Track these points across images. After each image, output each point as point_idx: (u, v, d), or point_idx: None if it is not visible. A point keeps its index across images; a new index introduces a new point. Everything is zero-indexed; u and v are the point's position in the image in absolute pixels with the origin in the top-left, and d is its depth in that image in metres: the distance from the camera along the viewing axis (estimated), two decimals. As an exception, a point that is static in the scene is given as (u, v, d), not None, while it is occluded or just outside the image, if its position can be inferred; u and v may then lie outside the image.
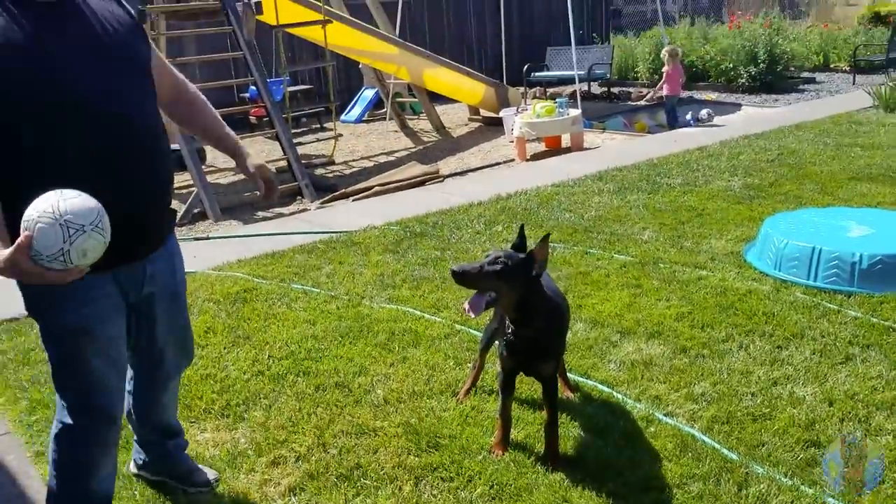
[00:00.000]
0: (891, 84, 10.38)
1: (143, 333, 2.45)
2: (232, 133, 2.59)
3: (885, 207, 5.68)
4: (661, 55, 11.18)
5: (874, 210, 5.49)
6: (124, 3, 2.30)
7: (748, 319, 3.98)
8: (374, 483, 2.82)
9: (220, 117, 2.60)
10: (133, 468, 2.93)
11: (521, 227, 2.85)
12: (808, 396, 3.22)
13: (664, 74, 10.57)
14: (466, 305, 2.63)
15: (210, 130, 2.58)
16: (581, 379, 3.46)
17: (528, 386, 3.31)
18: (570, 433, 3.03)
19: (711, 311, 4.10)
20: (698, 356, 3.62)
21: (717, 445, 2.90)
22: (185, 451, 2.91)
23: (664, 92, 10.63)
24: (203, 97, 2.58)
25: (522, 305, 2.73)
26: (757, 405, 3.18)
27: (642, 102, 12.61)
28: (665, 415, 3.14)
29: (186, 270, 2.64)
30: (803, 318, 3.97)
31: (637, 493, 2.65)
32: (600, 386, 3.40)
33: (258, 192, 2.58)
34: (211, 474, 2.89)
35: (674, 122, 10.52)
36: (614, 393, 3.33)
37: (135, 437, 2.87)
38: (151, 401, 2.71)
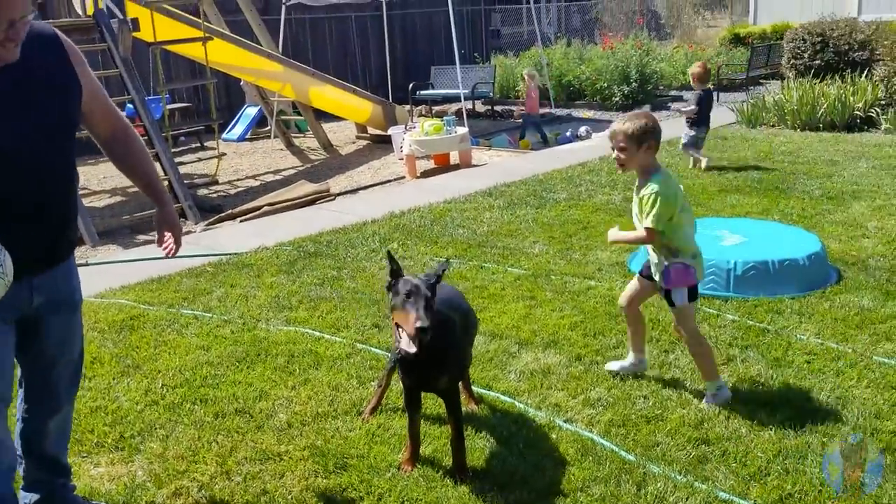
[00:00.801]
0: (752, 101, 11.14)
1: (32, 346, 2.44)
2: (162, 184, 2.75)
3: (753, 217, 6.09)
4: (523, 75, 11.74)
5: (744, 220, 5.87)
6: (71, 60, 2.37)
7: (637, 326, 4.16)
8: (283, 508, 2.77)
9: (153, 165, 2.73)
10: None
11: (389, 253, 2.82)
12: (696, 397, 3.40)
13: (534, 93, 11.02)
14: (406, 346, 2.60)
15: (142, 175, 2.68)
16: (483, 391, 3.53)
17: (433, 401, 3.34)
18: (476, 444, 3.09)
19: (602, 320, 4.27)
20: (592, 363, 3.77)
21: (615, 448, 3.03)
22: (75, 493, 2.78)
23: (525, 110, 11.12)
24: (141, 142, 2.68)
25: None
26: (649, 407, 3.33)
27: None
28: (565, 421, 3.24)
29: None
30: (687, 322, 4.19)
31: (542, 499, 2.73)
32: (502, 396, 3.48)
33: (157, 244, 2.73)
34: None
35: (543, 137, 11.06)
36: (516, 402, 3.42)
37: (22, 484, 2.72)
38: (40, 426, 2.61)
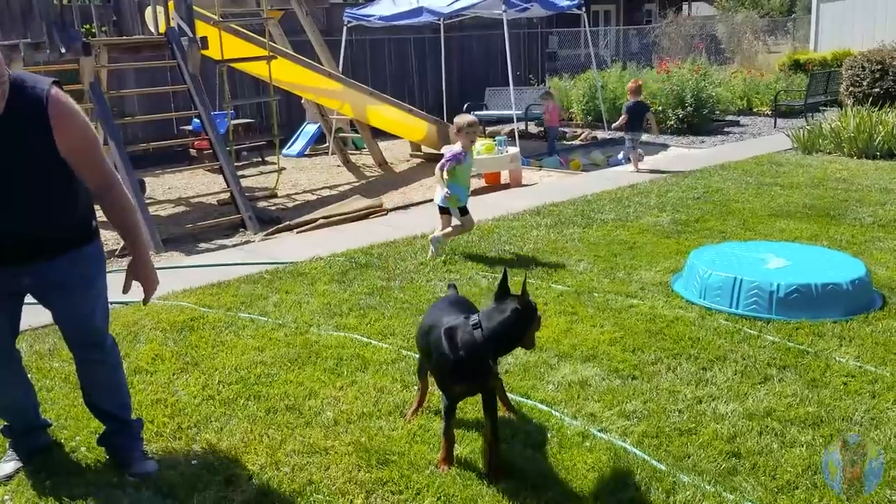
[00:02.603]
0: (809, 128, 11.06)
1: (52, 315, 3.09)
2: (140, 235, 3.05)
3: (801, 242, 6.10)
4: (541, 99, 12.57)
5: (791, 244, 5.89)
6: (49, 117, 2.72)
7: (675, 344, 4.25)
8: (327, 498, 2.94)
9: (132, 219, 3.02)
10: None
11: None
12: (730, 413, 3.48)
13: (552, 109, 12.00)
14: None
15: (119, 228, 3.02)
16: (521, 399, 3.66)
17: (472, 406, 3.49)
18: (512, 449, 3.22)
19: (642, 337, 4.36)
20: (630, 377, 3.87)
21: (646, 457, 3.13)
22: (133, 441, 3.26)
23: (549, 124, 12.01)
24: (122, 200, 2.96)
25: None
26: (683, 421, 3.42)
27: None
28: (599, 430, 3.35)
29: (130, 300, 3.06)
30: (726, 342, 4.26)
31: (574, 500, 2.85)
32: (539, 405, 3.60)
33: (123, 291, 3.06)
34: (151, 466, 3.18)
35: (552, 151, 11.62)
36: (552, 411, 3.54)
37: None
38: (80, 377, 3.24)
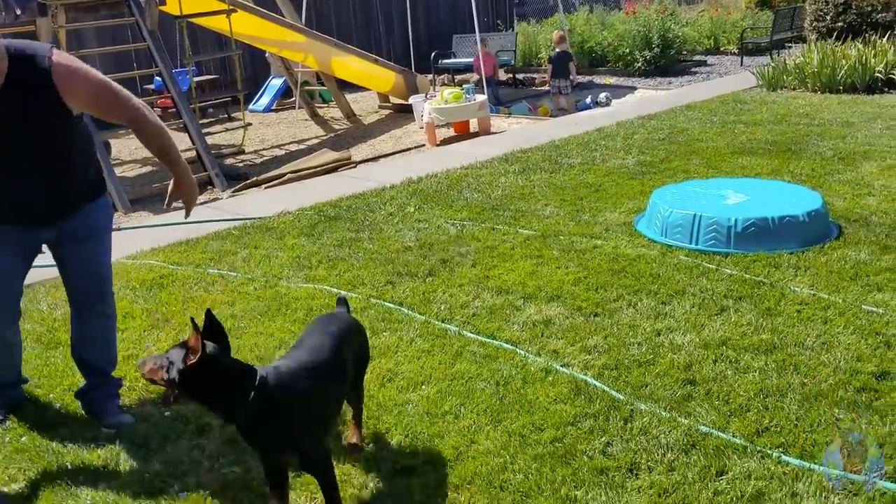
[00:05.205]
0: (773, 65, 11.12)
1: (61, 263, 3.20)
2: (175, 155, 3.12)
3: (762, 177, 6.21)
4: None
5: (751, 179, 6.00)
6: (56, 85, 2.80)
7: (636, 281, 4.36)
8: (298, 441, 3.03)
9: (166, 140, 3.08)
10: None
11: (207, 312, 2.38)
12: (687, 343, 3.60)
13: (485, 58, 11.47)
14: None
15: (155, 151, 3.14)
16: (487, 339, 3.76)
17: (439, 349, 3.57)
18: (476, 386, 3.32)
19: (604, 276, 4.47)
20: (592, 314, 3.98)
21: (606, 388, 3.24)
22: (111, 396, 3.36)
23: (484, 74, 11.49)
24: (153, 125, 3.03)
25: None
26: (642, 353, 3.54)
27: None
28: (562, 365, 3.46)
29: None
30: (685, 277, 4.37)
31: (536, 432, 2.96)
32: (505, 345, 3.70)
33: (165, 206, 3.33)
34: (126, 419, 3.29)
35: (497, 100, 11.47)
36: (517, 350, 3.64)
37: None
38: (74, 329, 3.31)
